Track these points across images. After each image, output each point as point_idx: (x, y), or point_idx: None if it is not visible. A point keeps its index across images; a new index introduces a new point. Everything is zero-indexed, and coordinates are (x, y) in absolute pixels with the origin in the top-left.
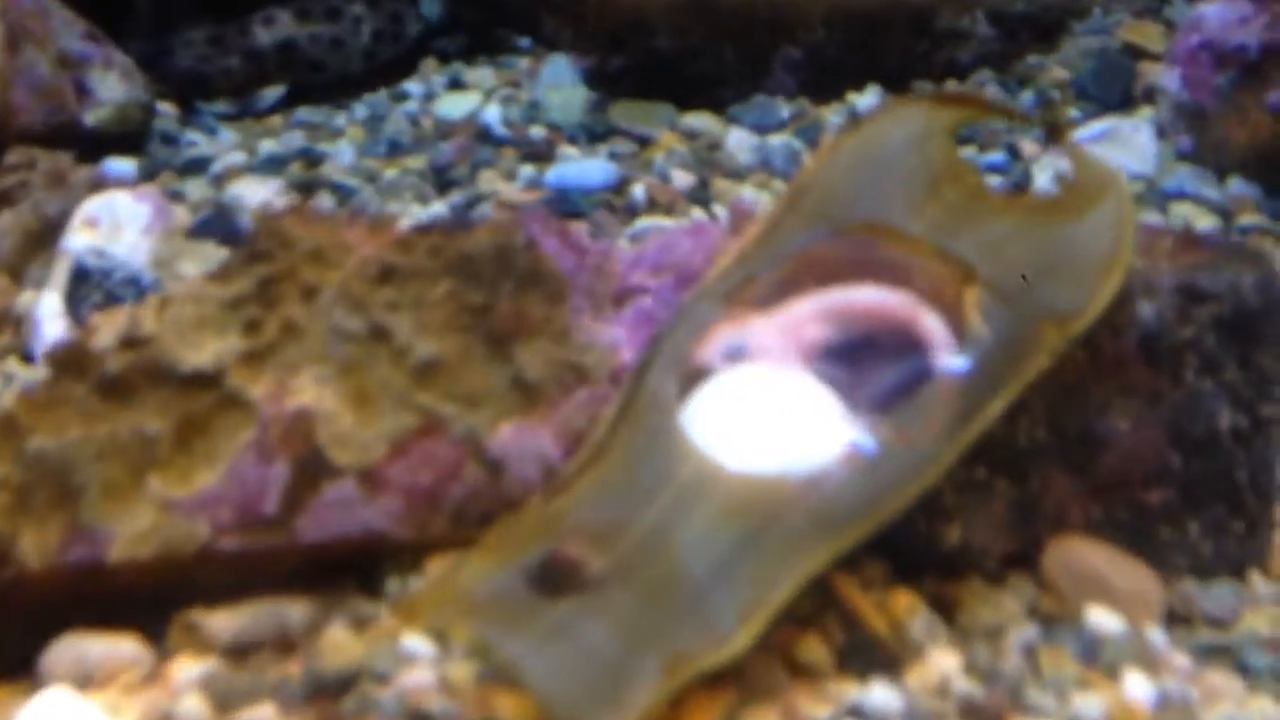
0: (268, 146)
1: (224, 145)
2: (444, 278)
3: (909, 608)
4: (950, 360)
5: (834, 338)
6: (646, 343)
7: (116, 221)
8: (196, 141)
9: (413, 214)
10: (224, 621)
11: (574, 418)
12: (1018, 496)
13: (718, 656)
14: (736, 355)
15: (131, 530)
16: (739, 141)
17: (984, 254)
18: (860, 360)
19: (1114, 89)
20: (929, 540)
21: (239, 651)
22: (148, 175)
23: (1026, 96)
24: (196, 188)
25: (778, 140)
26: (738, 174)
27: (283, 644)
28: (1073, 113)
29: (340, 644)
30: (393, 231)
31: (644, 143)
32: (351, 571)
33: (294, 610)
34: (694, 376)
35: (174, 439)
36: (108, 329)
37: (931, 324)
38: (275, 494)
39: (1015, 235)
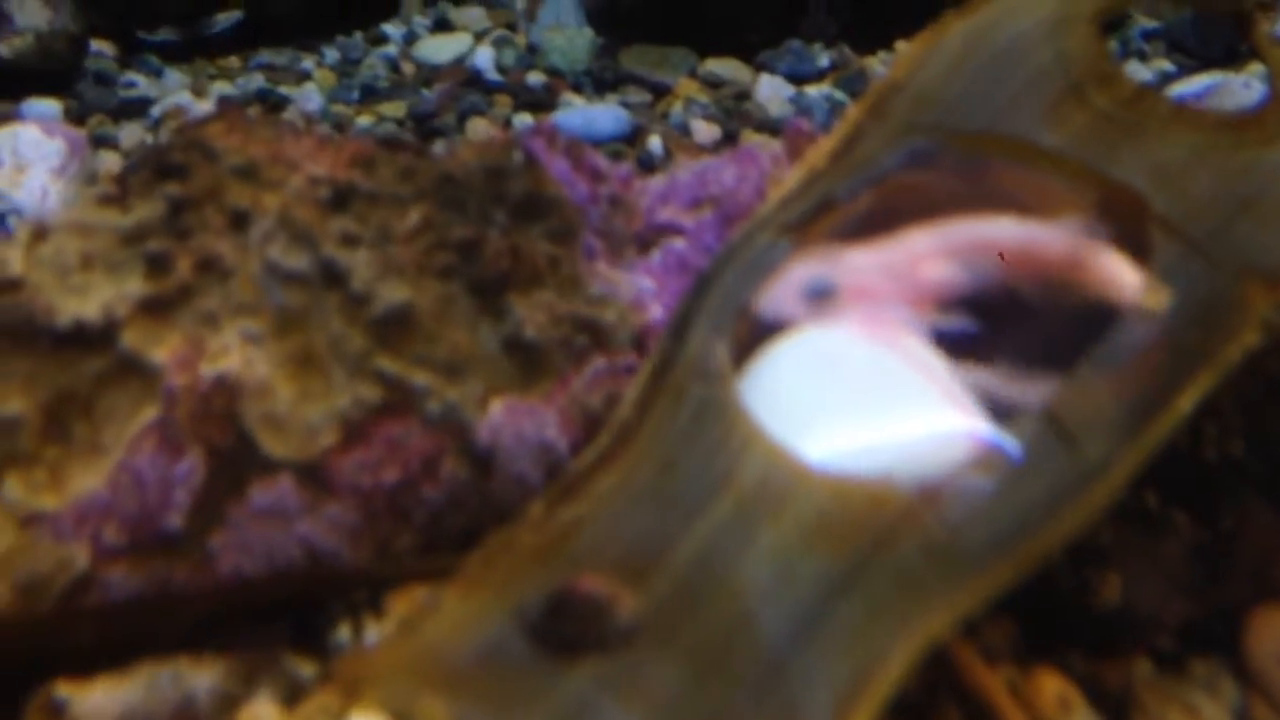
0: (221, 89)
1: (169, 87)
2: (417, 204)
3: (1060, 701)
4: (1124, 326)
5: (962, 283)
6: (687, 289)
7: (20, 160)
8: (136, 83)
9: None
10: (103, 700)
11: (587, 395)
12: (1204, 539)
13: None
14: (820, 296)
15: None
16: (771, 91)
17: (1156, 182)
18: (995, 318)
19: (1216, 41)
20: (1076, 596)
21: None
22: (76, 119)
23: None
24: (132, 133)
25: (816, 91)
26: (771, 127)
27: None
28: (1166, 67)
29: None
30: (351, 145)
31: (659, 92)
32: (285, 614)
33: (202, 678)
34: (756, 333)
35: (42, 424)
36: None
37: (1109, 269)
38: (183, 501)
39: (1197, 160)
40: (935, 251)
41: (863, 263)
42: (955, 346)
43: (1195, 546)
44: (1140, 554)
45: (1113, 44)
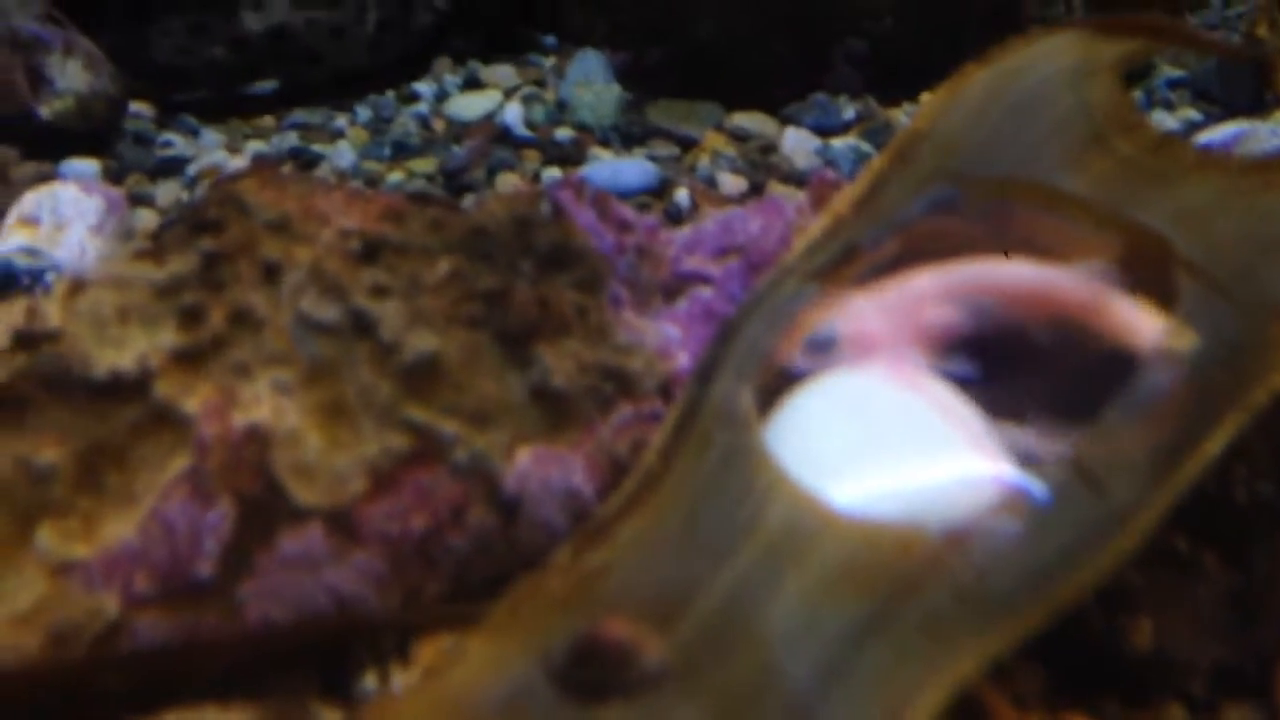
0: (256, 148)
1: (205, 146)
2: (446, 256)
3: None
4: (1149, 369)
5: (964, 326)
6: (712, 337)
7: (59, 219)
8: (173, 142)
9: None
10: None
11: (614, 442)
12: (1236, 582)
13: None
14: (819, 347)
15: (10, 608)
16: (796, 143)
17: (1181, 226)
18: (1009, 361)
19: (1241, 88)
20: (1107, 642)
21: None
22: (114, 178)
23: (1134, 97)
24: (169, 191)
25: (841, 143)
26: (797, 179)
27: None
28: (1192, 115)
29: None
30: (382, 199)
31: (686, 145)
32: (313, 662)
33: None
34: (781, 381)
35: (76, 473)
36: None
37: (1126, 314)
38: (213, 549)
39: (1221, 204)
40: (936, 294)
41: (863, 307)
42: (977, 390)
43: (1227, 590)
44: (1172, 598)
45: (1138, 92)
